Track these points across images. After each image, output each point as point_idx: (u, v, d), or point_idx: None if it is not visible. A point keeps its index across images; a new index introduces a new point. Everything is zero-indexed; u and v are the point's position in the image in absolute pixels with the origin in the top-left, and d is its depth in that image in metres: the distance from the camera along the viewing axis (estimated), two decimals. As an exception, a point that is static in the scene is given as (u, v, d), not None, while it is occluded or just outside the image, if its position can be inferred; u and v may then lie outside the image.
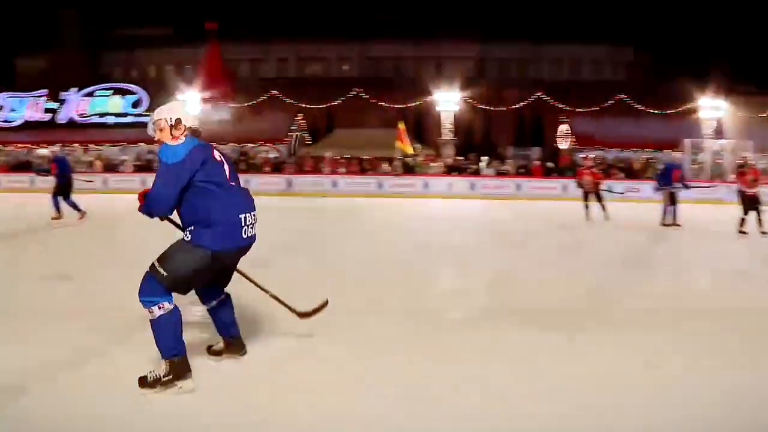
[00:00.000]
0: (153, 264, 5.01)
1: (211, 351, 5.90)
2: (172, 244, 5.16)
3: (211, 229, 5.04)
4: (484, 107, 43.05)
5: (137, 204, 5.21)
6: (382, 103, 41.74)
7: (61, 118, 43.16)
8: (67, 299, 8.43)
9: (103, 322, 7.10)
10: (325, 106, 43.33)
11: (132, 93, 42.65)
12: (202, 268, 5.08)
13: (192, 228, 5.10)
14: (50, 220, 17.47)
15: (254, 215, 5.37)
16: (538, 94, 43.01)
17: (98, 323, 7.05)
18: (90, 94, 43.02)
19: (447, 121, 38.04)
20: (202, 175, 5.07)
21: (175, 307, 5.05)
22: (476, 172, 33.97)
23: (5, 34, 56.58)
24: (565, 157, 39.07)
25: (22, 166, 38.96)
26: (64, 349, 6.11)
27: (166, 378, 4.98)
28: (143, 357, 5.51)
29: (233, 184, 5.35)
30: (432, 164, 34.81)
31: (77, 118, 42.92)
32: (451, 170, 33.86)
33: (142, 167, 37.07)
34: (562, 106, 42.36)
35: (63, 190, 17.74)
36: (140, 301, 4.97)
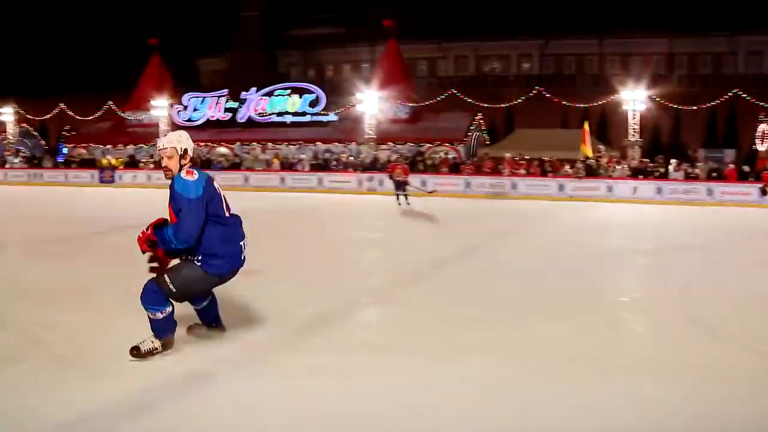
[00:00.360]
0: (163, 279, 5.67)
1: (192, 331, 6.50)
2: (183, 263, 5.84)
3: (219, 258, 5.84)
4: (673, 106, 40.31)
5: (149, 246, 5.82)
6: (565, 102, 39.87)
7: (241, 117, 43.81)
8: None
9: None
10: (504, 105, 41.92)
11: (310, 92, 42.67)
12: (208, 287, 6.09)
13: (201, 257, 5.79)
14: None
15: (247, 241, 6.17)
16: (734, 91, 39.78)
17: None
18: (269, 94, 43.37)
19: (633, 121, 35.80)
20: (210, 208, 5.78)
21: (172, 305, 5.80)
22: (664, 176, 31.53)
23: (189, 37, 58.65)
24: (764, 160, 35.97)
25: (204, 165, 39.80)
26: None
27: (157, 351, 5.72)
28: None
29: (230, 214, 6.06)
30: (616, 167, 32.81)
31: (256, 117, 43.42)
32: (636, 173, 31.72)
33: (319, 166, 37.03)
34: (761, 103, 39.02)
35: None
36: (145, 307, 5.67)
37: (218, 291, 8.57)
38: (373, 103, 38.37)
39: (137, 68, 50.47)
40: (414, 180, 25.96)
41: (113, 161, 41.77)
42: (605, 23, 51.92)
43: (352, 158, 37.32)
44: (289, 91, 43.19)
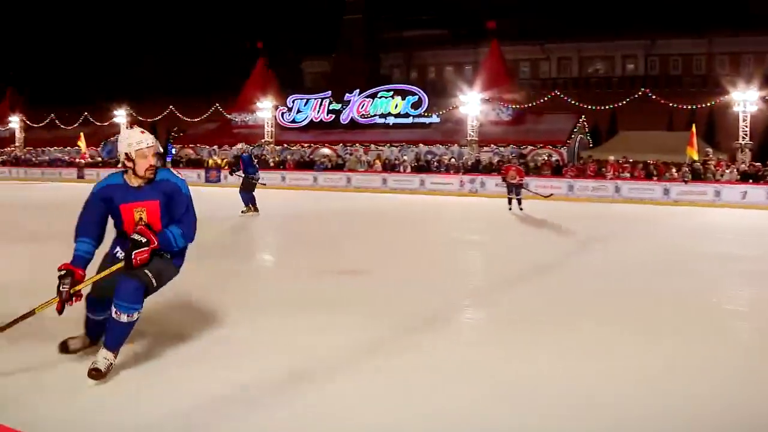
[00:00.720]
0: (147, 275, 5.29)
1: (69, 348, 5.72)
2: (160, 260, 5.43)
3: (182, 254, 5.68)
4: (788, 108, 38.97)
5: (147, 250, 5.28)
6: (671, 104, 39.00)
7: (344, 118, 44.37)
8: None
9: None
10: (608, 107, 41.26)
11: (412, 94, 42.93)
12: (165, 284, 5.65)
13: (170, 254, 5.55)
14: (241, 213, 19.46)
15: None
16: None
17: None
18: (372, 96, 43.82)
19: (743, 123, 34.80)
20: None
21: None
22: (776, 181, 30.70)
23: (293, 40, 59.67)
24: None
25: (307, 165, 40.48)
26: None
27: (111, 366, 5.16)
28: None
29: None
30: (725, 170, 32.00)
31: (359, 119, 43.90)
32: (746, 177, 30.79)
33: (421, 168, 37.23)
34: None
35: (247, 186, 19.72)
36: (123, 306, 5.15)
37: (318, 289, 8.96)
38: (475, 104, 38.39)
39: (243, 71, 51.72)
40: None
41: (219, 161, 42.75)
42: (714, 21, 50.40)
43: (453, 160, 37.40)
44: (391, 93, 43.56)
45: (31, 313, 5.20)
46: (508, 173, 23.21)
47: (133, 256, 5.15)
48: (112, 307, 5.16)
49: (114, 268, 5.28)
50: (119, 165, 5.40)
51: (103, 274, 5.33)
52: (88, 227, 5.37)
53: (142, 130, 5.39)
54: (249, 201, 19.52)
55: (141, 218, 5.33)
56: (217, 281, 9.18)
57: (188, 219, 5.47)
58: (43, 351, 5.57)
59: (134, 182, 5.36)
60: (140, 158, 5.24)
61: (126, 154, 5.26)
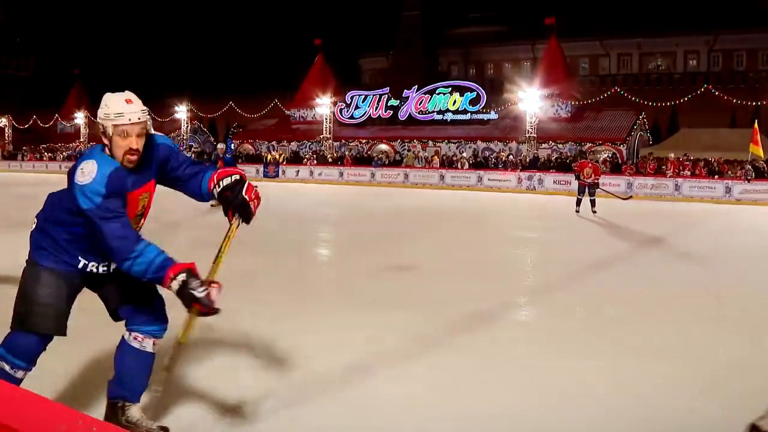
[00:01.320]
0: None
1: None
2: None
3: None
4: None
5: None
6: (734, 100, 38.39)
7: (402, 114, 44.61)
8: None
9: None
10: (669, 103, 40.75)
11: (471, 90, 43.04)
12: None
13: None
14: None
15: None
16: None
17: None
18: (430, 92, 44.00)
19: (809, 120, 34.20)
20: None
21: None
22: (839, 178, 30.03)
23: (352, 36, 60.10)
24: None
25: (364, 161, 40.70)
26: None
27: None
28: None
29: None
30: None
31: (417, 115, 44.05)
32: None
33: (479, 164, 37.22)
34: None
35: None
36: (155, 330, 3.96)
37: (375, 286, 9.09)
38: (533, 101, 38.25)
39: (302, 67, 52.35)
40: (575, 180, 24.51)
41: (277, 156, 43.17)
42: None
43: (512, 157, 37.33)
44: (450, 90, 43.74)
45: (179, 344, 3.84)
46: (583, 170, 20.91)
47: (248, 199, 3.81)
48: (138, 333, 3.93)
49: (233, 229, 3.84)
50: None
51: (226, 247, 3.85)
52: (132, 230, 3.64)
53: (130, 98, 3.64)
54: None
55: (144, 206, 3.91)
56: (277, 277, 9.43)
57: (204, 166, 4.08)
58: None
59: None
60: (119, 137, 3.61)
61: (102, 126, 3.66)
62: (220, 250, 3.83)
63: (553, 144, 39.31)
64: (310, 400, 4.61)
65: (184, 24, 72.14)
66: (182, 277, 3.47)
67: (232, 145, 50.06)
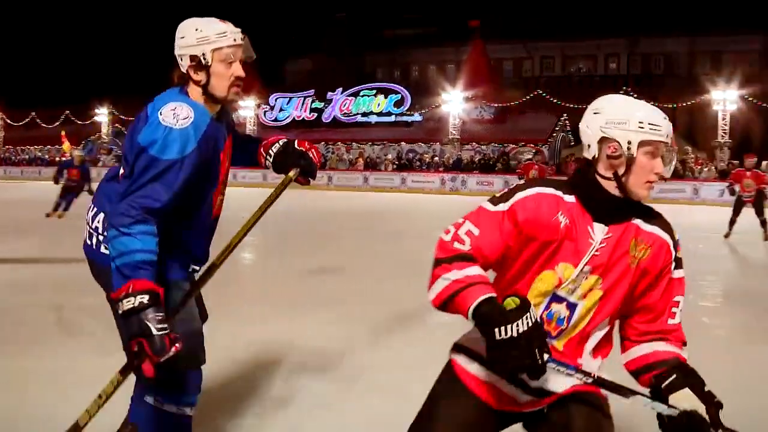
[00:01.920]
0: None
1: None
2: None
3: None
4: (766, 105, 39.05)
5: None
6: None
7: (326, 117, 44.34)
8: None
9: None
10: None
11: (395, 92, 43.01)
12: None
13: None
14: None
15: None
16: (833, 89, 38.36)
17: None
18: (355, 94, 43.84)
19: (722, 122, 34.91)
20: None
21: None
22: (753, 178, 30.62)
23: (276, 39, 59.69)
24: None
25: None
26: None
27: None
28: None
29: None
30: (704, 169, 32.08)
31: (341, 117, 43.88)
32: (723, 175, 30.77)
33: (403, 166, 37.20)
34: None
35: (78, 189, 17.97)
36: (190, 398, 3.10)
37: (293, 289, 8.81)
38: (457, 103, 38.36)
39: (224, 70, 51.51)
40: (497, 181, 24.63)
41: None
42: (697, 21, 50.52)
43: (435, 158, 37.37)
44: (374, 92, 43.63)
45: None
46: (527, 173, 17.95)
47: (305, 149, 3.40)
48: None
49: (287, 179, 3.34)
50: (176, 78, 3.01)
51: (271, 198, 3.35)
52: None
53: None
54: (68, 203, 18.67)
55: (227, 171, 3.22)
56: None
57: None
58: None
59: (210, 110, 2.98)
60: (221, 63, 2.91)
61: (192, 57, 2.91)
62: (264, 202, 3.27)
63: (476, 145, 39.43)
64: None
65: (100, 25, 70.92)
66: (143, 298, 2.54)
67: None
